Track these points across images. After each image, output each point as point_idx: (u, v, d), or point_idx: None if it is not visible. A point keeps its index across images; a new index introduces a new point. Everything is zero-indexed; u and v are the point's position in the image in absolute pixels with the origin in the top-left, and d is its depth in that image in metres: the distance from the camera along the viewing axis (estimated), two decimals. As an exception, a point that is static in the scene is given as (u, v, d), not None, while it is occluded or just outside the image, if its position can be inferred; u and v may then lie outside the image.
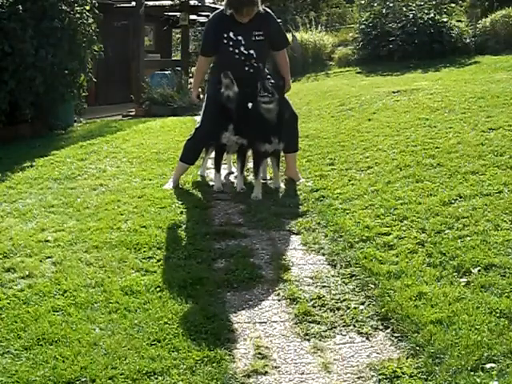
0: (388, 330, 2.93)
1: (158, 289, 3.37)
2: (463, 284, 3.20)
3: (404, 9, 15.29)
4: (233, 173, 6.08)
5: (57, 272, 3.64)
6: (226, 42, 5.26)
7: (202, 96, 5.91)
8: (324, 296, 3.29)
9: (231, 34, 5.24)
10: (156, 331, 2.92)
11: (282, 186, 5.47)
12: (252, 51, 5.28)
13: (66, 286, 3.43)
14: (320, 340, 2.89)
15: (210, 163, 6.07)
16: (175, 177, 5.62)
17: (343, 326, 3.00)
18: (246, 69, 5.31)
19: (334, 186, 5.13)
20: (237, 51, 5.27)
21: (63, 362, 2.67)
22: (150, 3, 13.91)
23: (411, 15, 14.95)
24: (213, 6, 13.94)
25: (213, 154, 5.90)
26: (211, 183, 5.70)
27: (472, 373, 2.47)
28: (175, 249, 3.99)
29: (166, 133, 8.64)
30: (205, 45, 5.55)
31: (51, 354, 2.72)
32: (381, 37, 15.04)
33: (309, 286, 3.45)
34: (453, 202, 4.34)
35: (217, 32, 5.29)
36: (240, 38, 5.24)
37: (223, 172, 5.84)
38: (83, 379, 2.56)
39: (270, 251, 4.00)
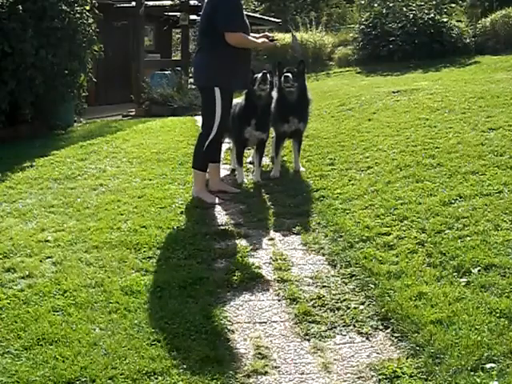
0: (388, 330, 2.93)
1: (158, 289, 3.37)
2: (463, 284, 3.20)
3: (404, 9, 15.31)
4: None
5: (57, 272, 3.64)
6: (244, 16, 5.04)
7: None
8: (324, 296, 3.29)
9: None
10: (156, 331, 2.92)
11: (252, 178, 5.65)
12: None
13: (66, 286, 3.43)
14: (320, 340, 2.89)
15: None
16: (203, 184, 5.18)
17: (343, 326, 3.00)
18: None
19: (334, 186, 5.13)
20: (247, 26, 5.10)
21: (63, 361, 2.67)
22: (150, 3, 13.92)
23: (411, 15, 14.97)
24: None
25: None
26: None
27: (472, 373, 2.47)
28: (175, 249, 3.99)
29: (166, 133, 8.63)
30: (241, 22, 4.94)
31: (51, 354, 2.72)
32: (381, 37, 15.05)
33: (309, 286, 3.45)
34: (453, 202, 4.34)
35: (241, 6, 5.05)
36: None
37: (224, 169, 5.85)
38: (83, 379, 2.56)
39: (269, 251, 4.00)
